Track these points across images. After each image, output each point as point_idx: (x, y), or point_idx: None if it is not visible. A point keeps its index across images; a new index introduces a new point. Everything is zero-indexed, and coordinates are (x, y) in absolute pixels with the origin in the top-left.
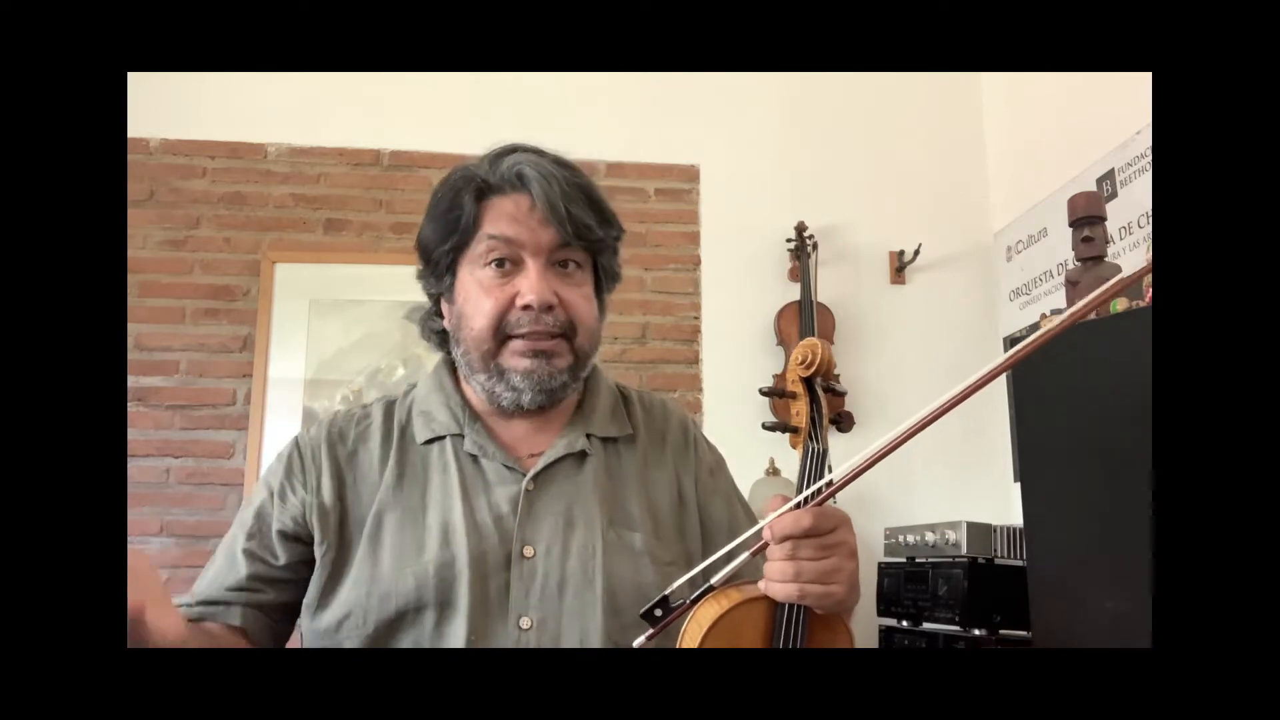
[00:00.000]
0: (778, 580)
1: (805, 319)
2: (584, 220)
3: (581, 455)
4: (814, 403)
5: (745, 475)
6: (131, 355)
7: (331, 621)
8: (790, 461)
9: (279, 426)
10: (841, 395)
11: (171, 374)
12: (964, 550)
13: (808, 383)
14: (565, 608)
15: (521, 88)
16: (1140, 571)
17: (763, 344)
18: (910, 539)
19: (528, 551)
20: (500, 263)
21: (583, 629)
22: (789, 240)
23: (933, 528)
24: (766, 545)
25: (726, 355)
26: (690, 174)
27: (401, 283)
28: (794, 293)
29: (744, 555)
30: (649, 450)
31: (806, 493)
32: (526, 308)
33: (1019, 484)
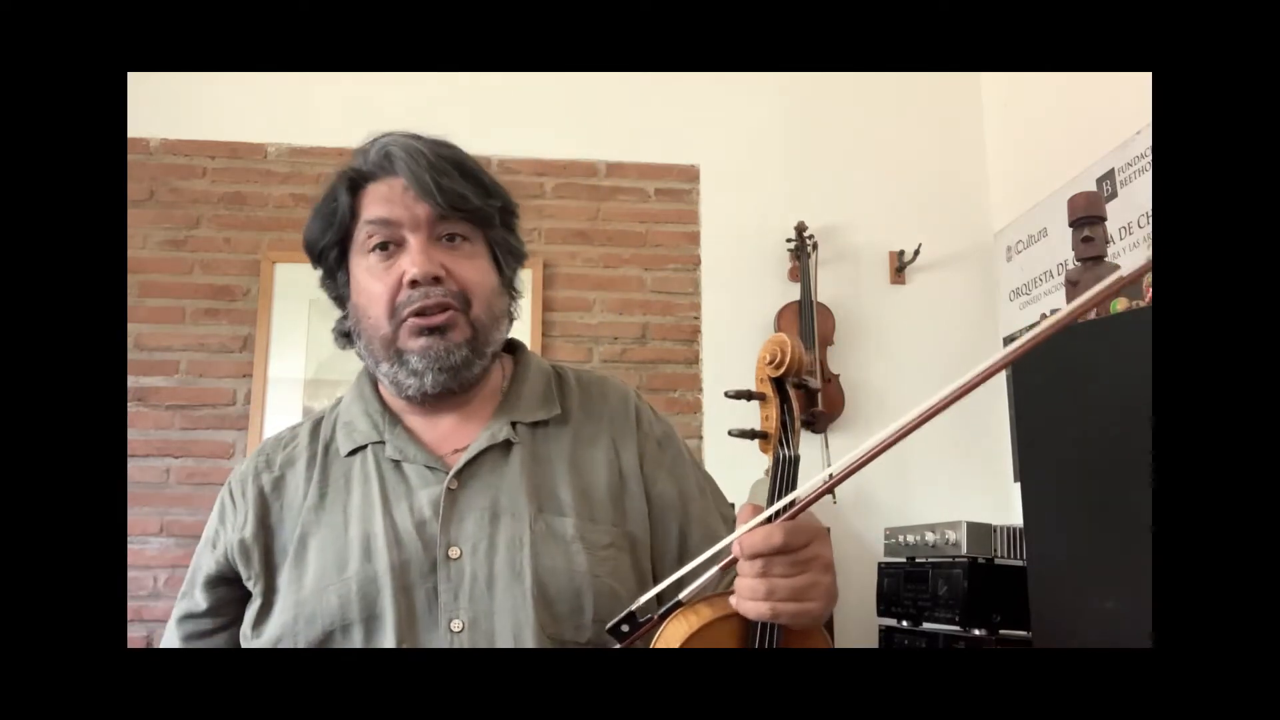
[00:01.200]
0: (749, 599)
1: (805, 319)
2: (457, 190)
3: (506, 445)
4: (784, 405)
5: (743, 477)
6: (131, 355)
7: (265, 647)
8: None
9: (279, 426)
10: (815, 391)
11: (171, 374)
12: (964, 550)
13: (777, 383)
14: (496, 605)
15: (521, 88)
16: (1140, 571)
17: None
18: (910, 539)
19: (453, 553)
20: (384, 246)
21: (515, 624)
22: (789, 240)
23: (933, 528)
24: (737, 560)
25: (726, 355)
26: (690, 174)
27: None
28: (794, 293)
29: (712, 570)
30: (582, 428)
31: (777, 505)
32: (414, 283)
33: (1019, 484)
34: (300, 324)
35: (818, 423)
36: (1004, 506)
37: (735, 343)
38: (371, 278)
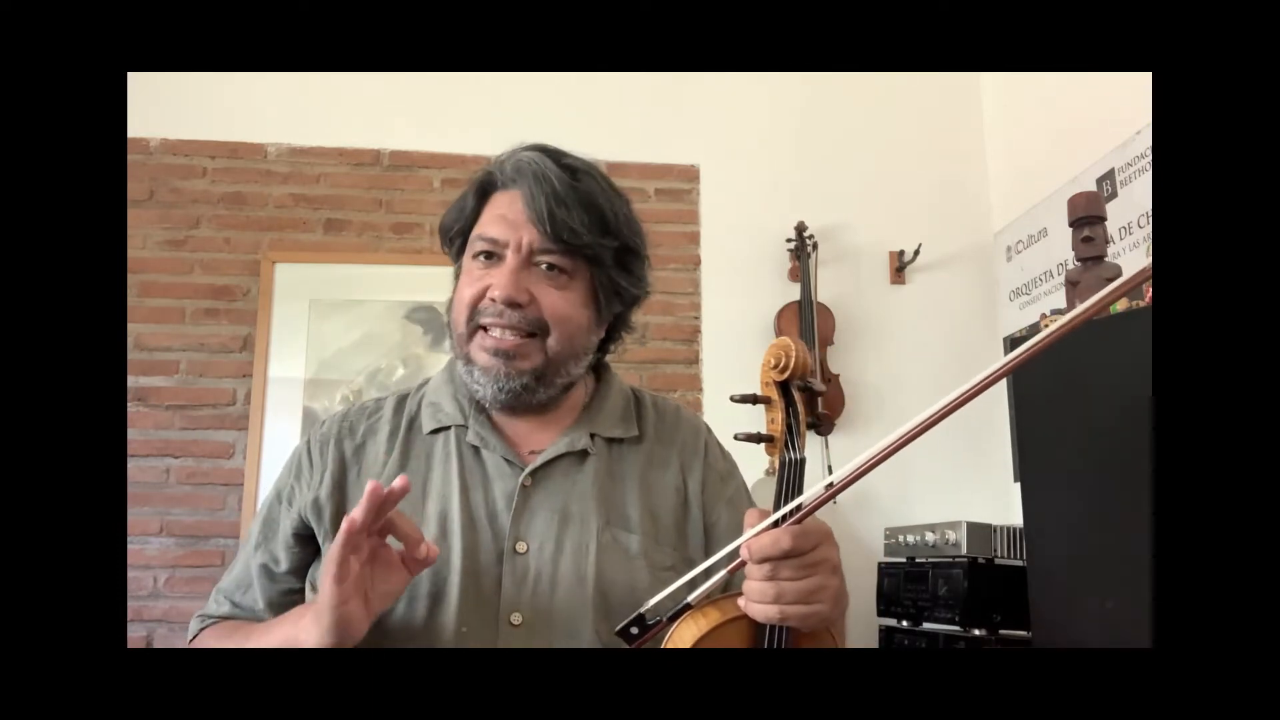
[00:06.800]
0: (758, 602)
1: (805, 319)
2: (569, 224)
3: (583, 454)
4: (789, 408)
5: (745, 477)
6: (131, 355)
7: None
8: None
9: (279, 426)
10: (820, 394)
11: (171, 374)
12: (964, 550)
13: (782, 387)
14: (556, 606)
15: (521, 87)
16: (1140, 571)
17: (763, 344)
18: (910, 539)
19: (520, 548)
20: (488, 255)
21: (573, 628)
22: (789, 240)
23: (933, 528)
24: (745, 563)
25: (726, 355)
26: (690, 174)
27: (401, 283)
28: (794, 293)
29: (721, 574)
30: (655, 452)
31: (784, 510)
32: (494, 300)
33: (1019, 484)
34: (300, 324)
35: (824, 425)
36: (1004, 506)
37: (735, 343)
38: (467, 280)
